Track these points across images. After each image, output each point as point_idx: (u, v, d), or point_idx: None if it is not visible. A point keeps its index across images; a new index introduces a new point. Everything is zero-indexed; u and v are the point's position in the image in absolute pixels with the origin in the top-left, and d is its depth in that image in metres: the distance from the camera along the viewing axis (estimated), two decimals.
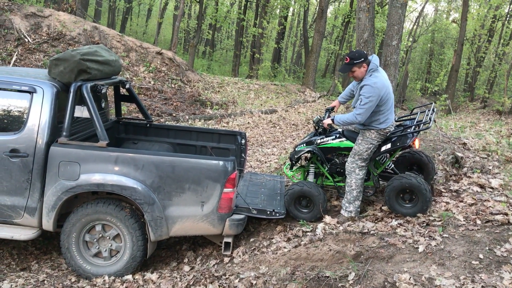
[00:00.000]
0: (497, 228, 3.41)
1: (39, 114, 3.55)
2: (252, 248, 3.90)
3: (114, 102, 4.99)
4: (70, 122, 3.57)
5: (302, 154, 4.35)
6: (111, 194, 3.74)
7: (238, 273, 3.35)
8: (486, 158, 5.16)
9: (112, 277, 3.64)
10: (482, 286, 2.71)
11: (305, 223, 4.09)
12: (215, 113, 11.09)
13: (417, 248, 3.28)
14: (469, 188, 4.32)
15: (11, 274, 3.76)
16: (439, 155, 5.08)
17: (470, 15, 20.71)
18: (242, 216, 3.76)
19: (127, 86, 4.55)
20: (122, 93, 4.97)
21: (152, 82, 11.66)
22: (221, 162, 3.56)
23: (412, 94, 25.55)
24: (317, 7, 20.21)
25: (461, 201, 4.04)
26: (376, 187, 4.35)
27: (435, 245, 3.28)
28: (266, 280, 3.11)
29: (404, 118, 4.64)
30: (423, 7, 24.59)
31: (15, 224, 3.67)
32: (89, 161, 3.52)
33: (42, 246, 4.36)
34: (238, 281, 3.20)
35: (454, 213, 3.78)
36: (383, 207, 4.24)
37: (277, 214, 3.98)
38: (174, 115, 10.17)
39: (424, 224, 3.72)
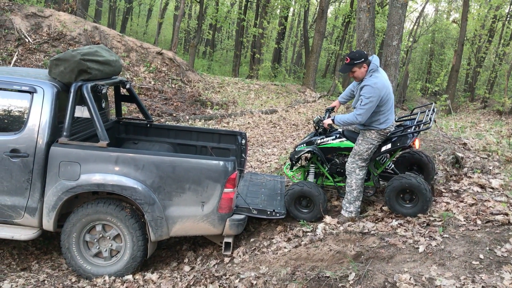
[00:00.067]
0: (498, 228, 3.41)
1: (39, 114, 3.55)
2: (253, 248, 3.90)
3: (114, 102, 4.99)
4: (70, 122, 3.57)
5: (302, 154, 4.35)
6: (111, 194, 3.74)
7: (239, 273, 3.35)
8: (486, 158, 5.16)
9: (113, 277, 3.65)
10: (482, 286, 2.71)
11: (305, 223, 4.09)
12: (215, 113, 11.09)
13: (418, 248, 3.28)
14: (470, 188, 4.32)
15: (12, 274, 3.76)
16: (440, 155, 5.08)
17: (471, 15, 20.72)
18: (242, 216, 3.76)
19: (128, 86, 4.55)
20: (122, 93, 4.98)
21: (153, 82, 11.66)
22: (221, 162, 3.56)
23: (413, 94, 25.55)
24: (318, 7, 20.22)
25: (462, 201, 4.04)
26: (377, 187, 4.35)
27: (435, 245, 3.28)
28: (266, 280, 3.11)
29: (404, 118, 4.64)
30: (424, 7, 24.58)
31: (15, 224, 3.67)
32: (90, 161, 3.52)
33: (42, 246, 4.36)
34: (239, 281, 3.20)
35: (454, 213, 3.78)
36: (383, 207, 4.25)
37: (278, 214, 3.98)
38: (174, 115, 10.17)
39: (425, 224, 3.72)
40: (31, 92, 3.58)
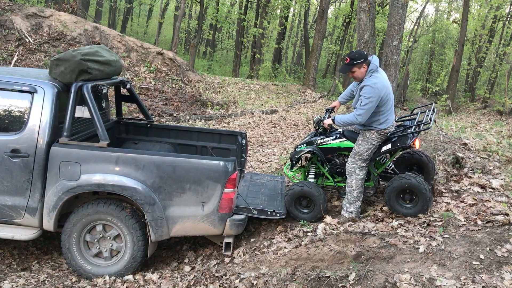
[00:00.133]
0: (498, 229, 3.41)
1: (40, 114, 3.56)
2: (253, 248, 3.90)
3: (114, 102, 4.99)
4: (71, 122, 3.57)
5: (303, 154, 4.35)
6: (111, 194, 3.74)
7: (239, 273, 3.35)
8: (486, 158, 5.16)
9: (113, 277, 3.65)
10: (482, 287, 2.71)
11: (305, 224, 4.09)
12: (215, 113, 11.09)
13: (418, 248, 3.28)
14: (470, 188, 4.32)
15: (12, 274, 3.76)
16: (440, 155, 5.08)
17: (471, 15, 20.72)
18: (242, 217, 3.76)
19: (128, 86, 4.55)
20: (122, 93, 4.98)
21: (153, 82, 11.66)
22: (221, 163, 3.56)
23: (413, 94, 25.54)
24: (318, 8, 20.22)
25: (462, 202, 4.04)
26: (377, 188, 4.35)
27: (435, 246, 3.28)
28: (266, 280, 3.11)
29: (404, 119, 4.64)
30: (424, 8, 24.59)
31: (16, 224, 3.67)
32: (90, 161, 3.52)
33: (42, 246, 4.37)
34: (239, 281, 3.20)
35: (454, 214, 3.78)
36: (383, 208, 4.25)
37: (278, 215, 3.98)
38: (174, 115, 10.17)
39: (425, 225, 3.72)
40: (32, 92, 3.58)
